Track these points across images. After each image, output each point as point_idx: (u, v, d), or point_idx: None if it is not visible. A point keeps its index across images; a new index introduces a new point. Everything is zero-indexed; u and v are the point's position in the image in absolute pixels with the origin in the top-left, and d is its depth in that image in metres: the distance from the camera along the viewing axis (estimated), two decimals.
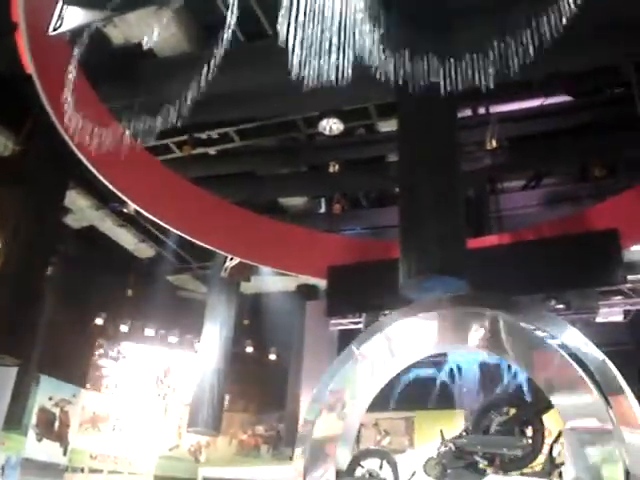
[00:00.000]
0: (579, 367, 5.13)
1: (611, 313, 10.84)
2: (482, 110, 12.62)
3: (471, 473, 5.18)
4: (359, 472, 5.67)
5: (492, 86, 5.90)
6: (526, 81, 11.45)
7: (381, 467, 5.63)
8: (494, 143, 11.92)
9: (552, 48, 9.80)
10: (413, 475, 5.48)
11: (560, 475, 5.12)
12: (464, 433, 5.44)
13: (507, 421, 5.32)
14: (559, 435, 5.16)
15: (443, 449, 5.32)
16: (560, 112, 12.16)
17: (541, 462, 5.30)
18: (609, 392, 5.07)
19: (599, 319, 10.78)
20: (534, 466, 5.25)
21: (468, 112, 12.66)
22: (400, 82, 6.00)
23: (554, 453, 5.24)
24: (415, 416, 14.92)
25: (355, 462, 5.70)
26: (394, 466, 5.70)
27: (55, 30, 8.24)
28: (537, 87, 11.68)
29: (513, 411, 5.42)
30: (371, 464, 5.71)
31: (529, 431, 5.29)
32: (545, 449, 5.27)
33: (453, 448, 5.24)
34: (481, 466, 5.20)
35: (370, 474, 5.60)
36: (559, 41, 9.71)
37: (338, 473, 5.73)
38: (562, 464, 5.07)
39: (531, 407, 5.29)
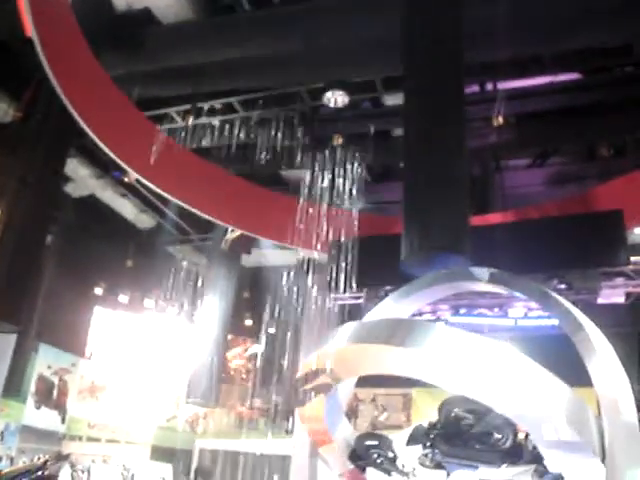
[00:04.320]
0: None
1: (613, 294, 10.74)
2: (489, 86, 12.43)
3: (465, 466, 5.17)
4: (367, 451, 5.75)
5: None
6: (535, 57, 11.27)
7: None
8: (501, 120, 11.74)
9: (564, 25, 9.71)
10: (414, 470, 5.49)
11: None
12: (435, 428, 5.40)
13: (480, 425, 5.22)
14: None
15: (427, 451, 5.33)
16: (569, 90, 11.97)
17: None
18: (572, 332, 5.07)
19: (601, 300, 10.69)
20: None
21: (475, 88, 12.47)
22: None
23: (530, 446, 5.14)
24: (413, 393, 14.94)
25: (361, 442, 5.76)
26: (390, 445, 5.77)
27: None
28: (546, 64, 11.49)
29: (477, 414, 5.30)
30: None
31: (502, 435, 5.19)
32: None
33: (436, 452, 5.23)
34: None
35: (379, 454, 5.65)
36: (572, 18, 9.61)
37: (351, 452, 5.77)
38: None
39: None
